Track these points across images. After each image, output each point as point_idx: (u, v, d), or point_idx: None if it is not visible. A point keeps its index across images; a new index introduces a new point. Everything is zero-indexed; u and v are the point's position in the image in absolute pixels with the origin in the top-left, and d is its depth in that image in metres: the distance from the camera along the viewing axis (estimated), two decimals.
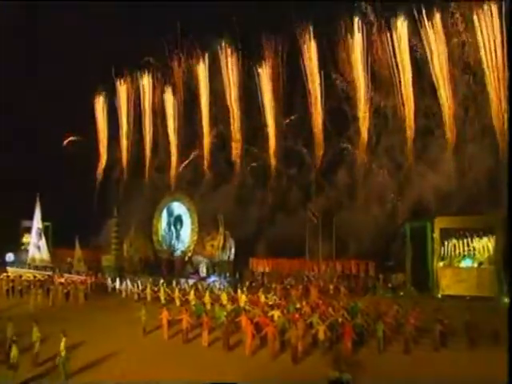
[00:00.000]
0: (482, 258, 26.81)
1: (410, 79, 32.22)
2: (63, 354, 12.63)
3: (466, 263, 27.00)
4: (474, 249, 27.22)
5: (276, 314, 16.85)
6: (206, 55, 39.17)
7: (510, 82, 25.65)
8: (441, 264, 27.30)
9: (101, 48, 37.97)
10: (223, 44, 37.91)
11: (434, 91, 31.49)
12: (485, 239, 26.99)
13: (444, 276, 26.95)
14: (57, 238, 40.70)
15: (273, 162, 37.19)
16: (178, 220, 35.11)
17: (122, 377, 13.24)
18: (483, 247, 27.07)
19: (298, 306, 18.93)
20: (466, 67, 30.15)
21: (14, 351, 11.94)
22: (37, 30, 41.59)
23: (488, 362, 13.94)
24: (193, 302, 21.12)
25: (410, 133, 32.52)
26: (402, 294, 26.80)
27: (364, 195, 33.53)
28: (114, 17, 38.63)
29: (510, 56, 26.45)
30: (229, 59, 38.06)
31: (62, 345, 12.76)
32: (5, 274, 29.56)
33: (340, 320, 16.07)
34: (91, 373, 13.57)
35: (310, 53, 35.49)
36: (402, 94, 32.69)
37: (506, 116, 27.23)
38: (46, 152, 40.86)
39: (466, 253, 27.35)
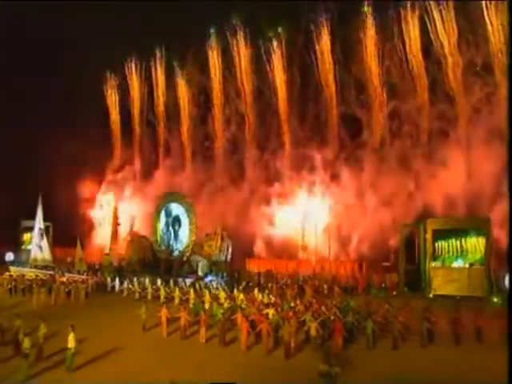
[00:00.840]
0: (473, 258, 27.41)
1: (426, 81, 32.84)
2: (72, 346, 13.33)
3: (458, 263, 27.61)
4: (466, 249, 27.82)
5: (271, 312, 17.54)
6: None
7: (510, 82, 26.06)
8: (433, 264, 27.92)
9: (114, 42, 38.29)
10: (237, 43, 38.47)
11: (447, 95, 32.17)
12: (476, 240, 27.62)
13: (436, 276, 27.59)
14: (57, 238, 41.28)
15: (284, 163, 37.60)
16: (177, 220, 35.55)
17: (122, 371, 13.85)
18: (474, 248, 27.68)
19: (293, 304, 19.65)
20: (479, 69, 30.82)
21: (27, 342, 12.70)
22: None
23: (471, 358, 14.69)
24: (192, 301, 21.82)
25: (423, 136, 33.20)
26: (394, 293, 27.40)
27: (369, 197, 34.27)
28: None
29: (510, 56, 27.08)
30: (242, 59, 38.42)
31: (71, 338, 13.46)
32: (7, 274, 30.19)
33: (332, 318, 16.73)
34: (93, 368, 14.15)
35: (325, 56, 35.95)
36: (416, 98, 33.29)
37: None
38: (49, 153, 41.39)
39: (457, 253, 27.96)
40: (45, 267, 34.62)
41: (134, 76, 44.43)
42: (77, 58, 39.77)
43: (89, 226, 44.91)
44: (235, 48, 39.11)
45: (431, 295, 26.68)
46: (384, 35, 34.17)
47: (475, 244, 27.68)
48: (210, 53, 40.41)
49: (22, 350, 12.66)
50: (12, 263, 37.95)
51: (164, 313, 17.95)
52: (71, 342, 13.46)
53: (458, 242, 28.09)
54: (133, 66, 44.25)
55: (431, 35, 32.56)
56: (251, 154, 38.87)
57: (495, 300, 24.37)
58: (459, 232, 27.95)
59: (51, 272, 32.32)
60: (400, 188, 33.28)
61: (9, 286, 26.51)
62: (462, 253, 27.94)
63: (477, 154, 30.45)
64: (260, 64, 38.46)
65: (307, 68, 36.63)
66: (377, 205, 33.69)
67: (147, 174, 43.84)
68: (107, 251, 38.53)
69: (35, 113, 41.88)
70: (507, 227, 23.34)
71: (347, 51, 35.38)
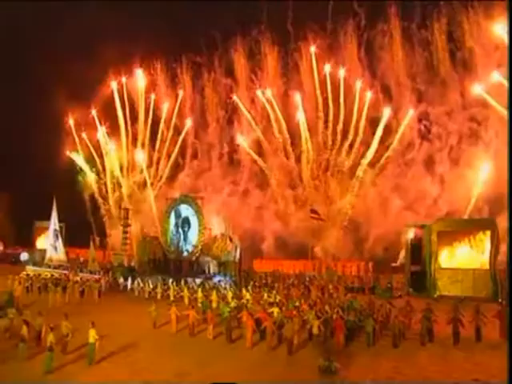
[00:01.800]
0: (478, 259, 27.71)
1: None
2: (93, 341, 14.18)
3: (463, 264, 27.91)
4: (471, 250, 28.11)
5: (275, 310, 18.17)
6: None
7: (510, 83, 26.22)
8: (438, 265, 28.27)
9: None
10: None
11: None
12: (481, 241, 27.89)
13: (441, 277, 27.97)
14: (69, 238, 42.37)
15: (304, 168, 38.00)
16: (186, 222, 36.08)
17: (135, 365, 14.63)
18: (479, 249, 27.95)
19: (297, 303, 20.25)
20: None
21: (51, 337, 13.63)
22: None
23: (470, 357, 15.09)
24: (200, 300, 22.59)
25: (452, 139, 33.43)
26: (399, 294, 27.80)
27: (386, 200, 34.62)
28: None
29: (510, 56, 27.22)
30: (268, 62, 39.01)
31: (93, 334, 14.30)
32: (24, 273, 31.39)
33: (334, 317, 17.30)
34: (108, 361, 14.92)
35: (352, 59, 36.43)
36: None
37: None
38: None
39: (462, 254, 28.27)
40: (59, 267, 35.73)
41: (161, 79, 45.05)
42: (103, 62, 40.71)
43: (101, 227, 45.92)
44: (262, 50, 39.59)
45: (435, 295, 27.00)
46: (411, 39, 34.52)
47: (480, 245, 27.95)
48: (235, 55, 40.91)
49: (47, 344, 13.55)
50: (26, 263, 39.18)
51: (173, 311, 18.74)
52: (92, 337, 14.30)
53: (464, 244, 28.38)
54: (159, 69, 44.88)
55: (457, 38, 32.94)
56: (276, 157, 39.33)
57: (499, 300, 24.64)
58: (465, 233, 28.26)
59: (65, 271, 33.39)
60: (425, 191, 33.58)
61: (26, 285, 27.54)
62: (467, 254, 28.21)
63: (505, 156, 30.55)
64: (286, 66, 38.96)
65: (334, 70, 37.03)
66: (400, 207, 34.05)
67: (173, 176, 44.53)
68: (118, 251, 39.54)
69: (49, 117, 43.12)
70: (507, 227, 23.62)
71: (374, 54, 35.82)
